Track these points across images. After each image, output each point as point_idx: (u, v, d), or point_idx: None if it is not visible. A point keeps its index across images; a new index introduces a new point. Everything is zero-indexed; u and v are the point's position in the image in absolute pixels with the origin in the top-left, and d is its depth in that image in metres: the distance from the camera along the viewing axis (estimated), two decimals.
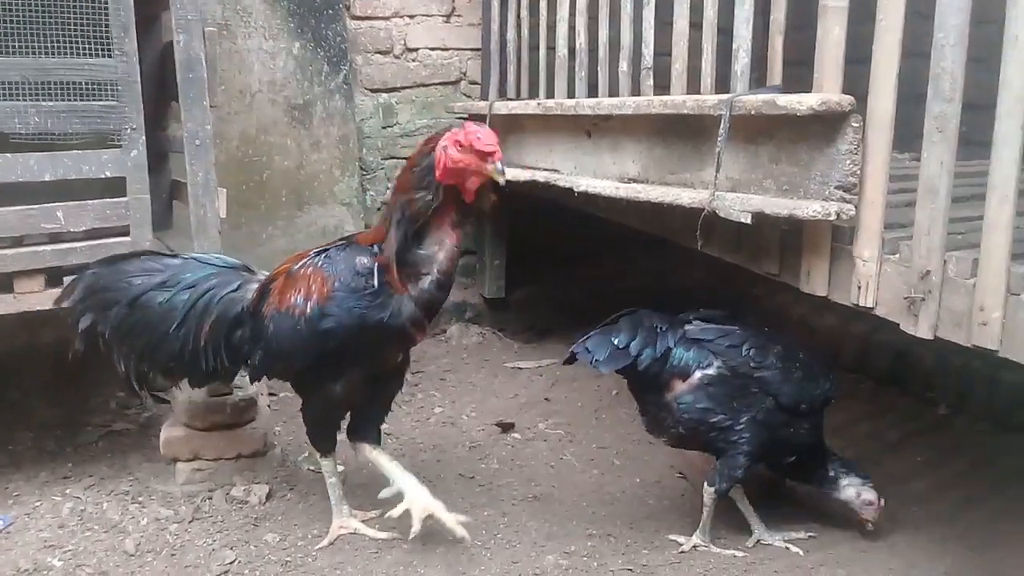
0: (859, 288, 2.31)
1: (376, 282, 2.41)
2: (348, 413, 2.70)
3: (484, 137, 2.28)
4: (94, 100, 2.72)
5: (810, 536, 2.75)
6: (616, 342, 2.63)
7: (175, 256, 2.71)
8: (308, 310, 2.45)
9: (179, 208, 3.54)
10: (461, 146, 2.29)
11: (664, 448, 3.40)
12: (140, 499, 2.94)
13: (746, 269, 2.84)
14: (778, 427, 2.63)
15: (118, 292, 2.58)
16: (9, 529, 2.76)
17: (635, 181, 3.02)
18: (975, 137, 2.23)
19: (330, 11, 4.18)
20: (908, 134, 2.32)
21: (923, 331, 2.14)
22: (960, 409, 3.66)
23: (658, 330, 2.66)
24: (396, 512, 2.60)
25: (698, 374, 2.62)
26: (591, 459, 3.38)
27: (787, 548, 2.68)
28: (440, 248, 2.42)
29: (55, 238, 2.81)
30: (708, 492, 2.66)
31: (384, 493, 2.69)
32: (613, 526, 2.85)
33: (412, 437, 3.55)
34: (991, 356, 2.03)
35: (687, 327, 2.69)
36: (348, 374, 2.55)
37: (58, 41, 2.64)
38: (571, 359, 2.70)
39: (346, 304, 2.42)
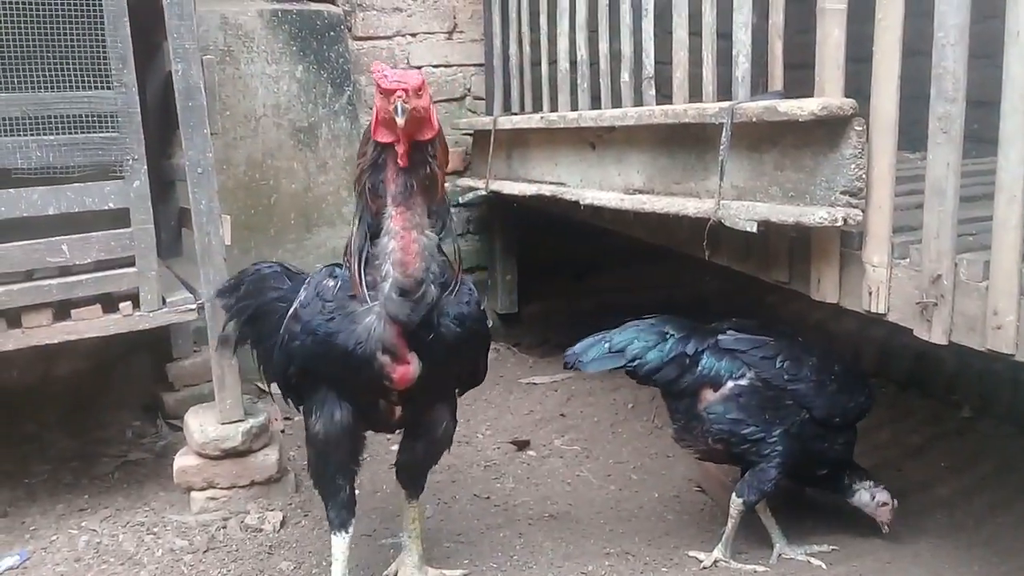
0: (870, 294, 2.26)
1: (336, 294, 2.09)
2: (348, 473, 2.32)
3: (391, 75, 1.91)
4: (95, 132, 2.73)
5: (832, 549, 2.70)
6: (608, 345, 2.60)
7: (299, 273, 2.60)
8: (282, 330, 2.26)
9: (188, 235, 3.55)
10: (378, 92, 1.93)
11: (682, 462, 3.37)
12: (155, 530, 2.93)
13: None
14: (811, 440, 2.60)
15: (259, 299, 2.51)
16: (26, 564, 2.76)
17: (640, 192, 2.99)
18: (986, 135, 2.18)
19: (332, 33, 4.19)
20: (918, 133, 2.27)
21: (937, 336, 2.09)
22: (983, 412, 3.59)
23: (668, 335, 2.62)
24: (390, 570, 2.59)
25: (730, 384, 2.59)
26: (608, 475, 3.34)
27: (809, 562, 2.63)
28: (390, 237, 1.97)
29: (63, 271, 2.82)
30: (736, 504, 2.61)
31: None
32: (631, 543, 2.81)
33: None
34: (1009, 359, 1.99)
35: (720, 337, 2.65)
36: (325, 413, 2.20)
37: (57, 75, 2.66)
38: (564, 364, 2.69)
39: (308, 321, 2.12)
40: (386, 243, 1.97)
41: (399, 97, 1.85)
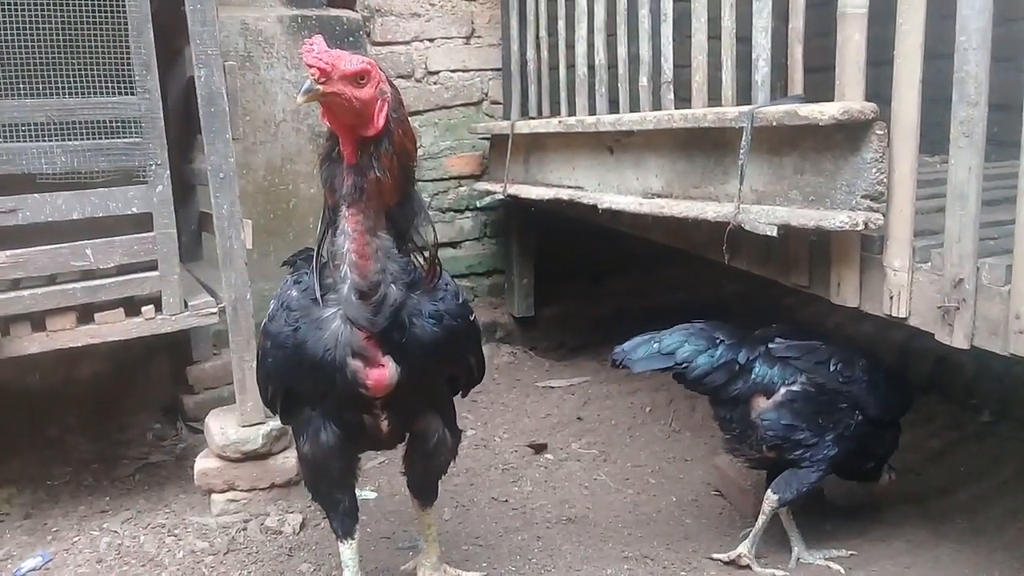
0: (891, 298, 2.26)
1: (300, 302, 1.99)
2: (345, 486, 2.26)
3: (314, 51, 1.75)
4: (118, 138, 2.76)
5: (851, 554, 2.68)
6: (658, 346, 2.58)
7: None
8: (257, 349, 2.23)
9: (208, 239, 3.58)
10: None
11: (700, 466, 3.37)
12: (176, 532, 2.95)
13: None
14: (865, 439, 2.61)
15: None
16: (48, 566, 2.79)
17: (659, 196, 2.99)
18: (1007, 138, 2.17)
19: (351, 38, 4.21)
20: (939, 137, 2.27)
21: (958, 341, 2.08)
22: (1003, 416, 3.56)
23: (719, 341, 2.61)
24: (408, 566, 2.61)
25: (783, 391, 2.58)
26: (626, 478, 3.34)
27: (829, 566, 2.62)
28: (345, 237, 1.87)
29: (85, 275, 2.85)
30: (771, 500, 2.59)
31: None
32: (650, 547, 2.80)
33: None
34: None
35: (771, 345, 2.64)
36: (311, 435, 2.12)
37: (81, 81, 2.69)
38: (612, 362, 2.67)
39: (276, 335, 2.03)
40: (342, 243, 1.87)
41: (312, 75, 1.72)
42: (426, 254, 2.01)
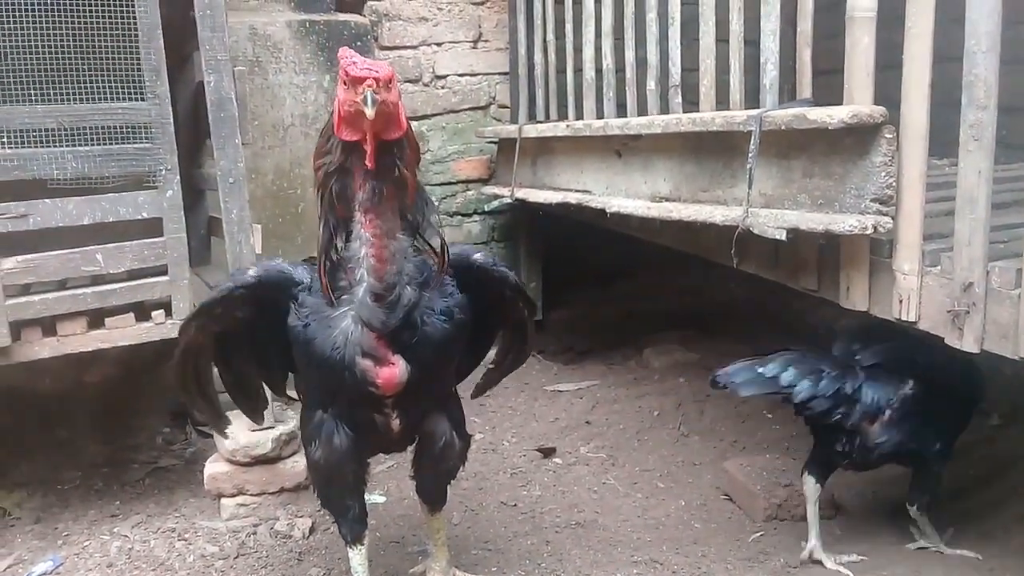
0: (901, 302, 2.26)
1: (310, 299, 1.99)
2: (355, 492, 2.25)
3: (361, 62, 1.74)
4: (129, 143, 2.77)
5: (861, 559, 2.67)
6: (761, 370, 2.53)
7: None
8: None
9: (217, 244, 3.59)
10: (344, 83, 1.76)
11: (709, 470, 3.37)
12: (186, 536, 2.96)
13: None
14: (961, 424, 2.69)
15: None
16: (59, 570, 2.79)
17: (667, 200, 3.00)
18: (1015, 141, 2.17)
19: (359, 43, 4.22)
20: (947, 139, 2.26)
21: (969, 345, 2.08)
22: (1013, 420, 3.55)
23: (824, 373, 2.52)
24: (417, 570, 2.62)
25: (887, 412, 2.54)
26: (634, 483, 3.33)
27: (839, 571, 2.61)
28: (362, 243, 1.87)
29: (95, 280, 2.87)
30: (913, 512, 2.68)
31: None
32: (659, 552, 2.80)
33: None
34: None
35: (858, 357, 2.60)
36: (323, 439, 2.12)
37: (92, 86, 2.70)
38: (713, 383, 2.59)
39: (290, 319, 2.03)
40: (358, 248, 1.86)
41: (369, 86, 1.69)
42: (437, 242, 2.01)
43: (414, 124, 4.62)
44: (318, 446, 2.13)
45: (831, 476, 2.71)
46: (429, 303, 1.97)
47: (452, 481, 2.44)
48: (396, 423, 2.11)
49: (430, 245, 2.01)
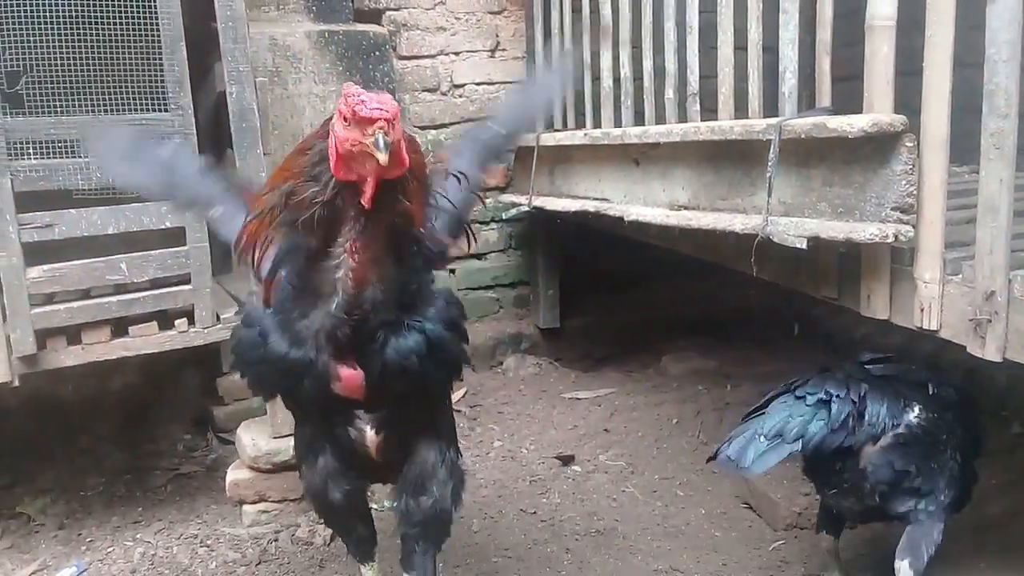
0: (922, 311, 2.25)
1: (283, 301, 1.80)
2: (356, 516, 2.17)
3: (369, 101, 1.57)
4: None
5: None
6: (763, 436, 2.24)
7: None
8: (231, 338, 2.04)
9: None
10: (346, 120, 1.58)
11: (729, 477, 3.35)
12: (208, 542, 2.99)
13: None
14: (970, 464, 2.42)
15: None
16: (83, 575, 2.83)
17: (686, 208, 3.00)
18: None
19: (377, 53, 4.25)
20: (968, 146, 2.26)
21: (991, 354, 2.07)
22: None
23: (833, 398, 2.27)
24: None
25: (895, 431, 2.30)
26: (654, 491, 3.33)
27: None
28: (340, 266, 1.70)
29: (118, 288, 2.90)
30: (905, 572, 2.29)
31: None
32: (679, 560, 2.80)
33: (473, 472, 3.53)
34: None
35: (870, 369, 2.42)
36: (309, 461, 2.03)
37: (116, 98, 2.74)
38: (713, 457, 2.35)
39: (248, 316, 1.90)
40: (333, 270, 1.70)
41: (381, 128, 1.54)
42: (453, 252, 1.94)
43: (432, 133, 4.69)
44: (306, 469, 2.04)
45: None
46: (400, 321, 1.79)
47: (440, 540, 2.11)
48: (372, 437, 1.93)
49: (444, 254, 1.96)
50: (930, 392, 2.38)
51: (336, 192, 1.66)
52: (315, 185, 1.66)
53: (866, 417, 2.27)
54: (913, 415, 2.31)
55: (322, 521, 2.25)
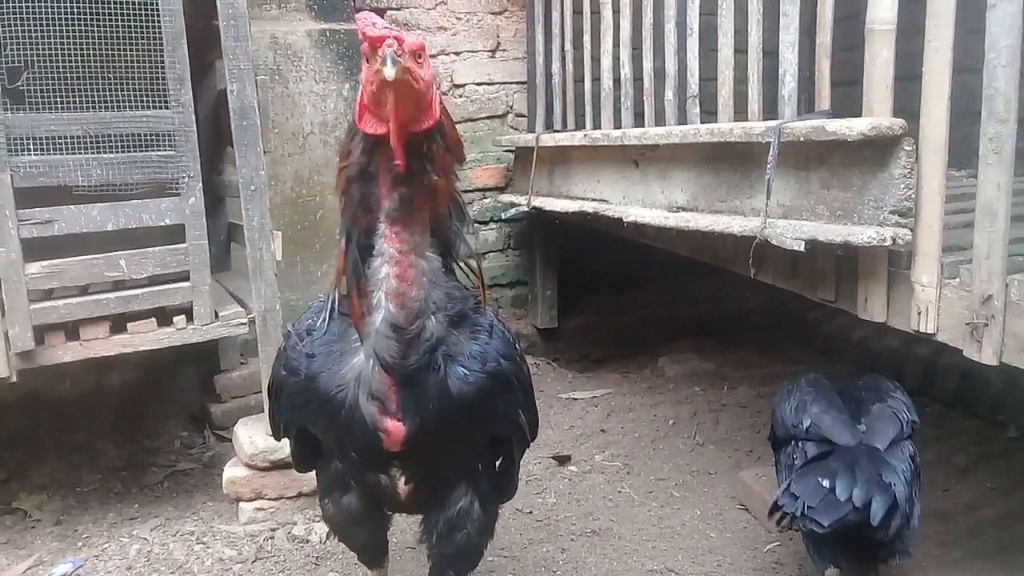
0: (919, 314, 2.25)
1: (328, 327, 1.69)
2: (374, 540, 2.12)
3: (380, 23, 1.41)
4: (152, 150, 2.80)
5: None
6: (826, 484, 2.12)
7: None
8: (270, 376, 1.93)
9: (236, 250, 3.63)
10: (365, 56, 1.44)
11: (725, 479, 3.37)
12: (205, 539, 2.99)
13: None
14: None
15: None
16: (79, 572, 2.82)
17: (684, 209, 3.01)
18: None
19: None
20: (967, 151, 2.27)
21: (987, 357, 2.08)
22: None
23: (880, 478, 2.14)
24: None
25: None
26: (650, 491, 3.34)
27: None
28: (383, 260, 1.55)
29: (116, 285, 2.90)
30: None
31: None
32: (675, 561, 2.81)
33: None
34: None
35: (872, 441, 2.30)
36: (333, 497, 1.92)
37: (117, 95, 2.74)
38: (774, 509, 2.23)
39: (289, 359, 1.74)
40: (378, 267, 1.55)
41: (389, 46, 1.36)
42: (473, 264, 1.76)
43: None
44: (329, 504, 1.94)
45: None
46: (456, 343, 1.63)
47: (470, 569, 2.01)
48: (402, 486, 1.78)
49: (468, 266, 1.75)
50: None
51: (368, 156, 1.53)
52: (351, 155, 1.56)
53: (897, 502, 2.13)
54: (911, 452, 2.33)
55: (340, 541, 2.17)
